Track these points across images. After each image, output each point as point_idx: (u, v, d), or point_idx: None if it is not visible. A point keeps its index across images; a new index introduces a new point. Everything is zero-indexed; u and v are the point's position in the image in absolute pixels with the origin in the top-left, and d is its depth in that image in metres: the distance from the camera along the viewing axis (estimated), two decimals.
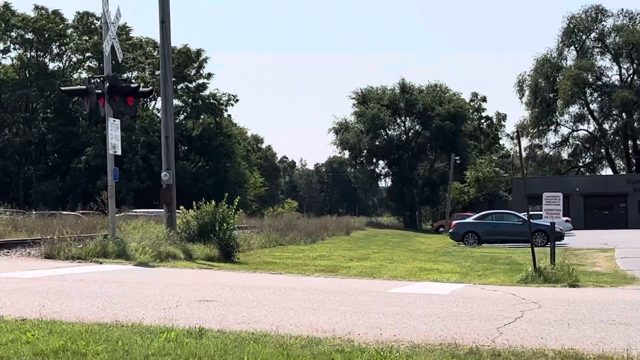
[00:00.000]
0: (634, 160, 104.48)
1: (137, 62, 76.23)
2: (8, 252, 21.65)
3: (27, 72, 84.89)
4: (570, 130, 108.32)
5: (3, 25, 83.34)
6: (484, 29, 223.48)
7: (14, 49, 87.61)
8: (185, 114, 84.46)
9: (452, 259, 28.74)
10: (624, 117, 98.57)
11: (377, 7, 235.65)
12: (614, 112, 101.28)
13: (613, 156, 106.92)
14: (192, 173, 72.87)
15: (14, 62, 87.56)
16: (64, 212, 47.61)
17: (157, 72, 66.68)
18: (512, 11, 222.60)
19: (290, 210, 72.16)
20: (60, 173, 76.39)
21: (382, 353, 5.89)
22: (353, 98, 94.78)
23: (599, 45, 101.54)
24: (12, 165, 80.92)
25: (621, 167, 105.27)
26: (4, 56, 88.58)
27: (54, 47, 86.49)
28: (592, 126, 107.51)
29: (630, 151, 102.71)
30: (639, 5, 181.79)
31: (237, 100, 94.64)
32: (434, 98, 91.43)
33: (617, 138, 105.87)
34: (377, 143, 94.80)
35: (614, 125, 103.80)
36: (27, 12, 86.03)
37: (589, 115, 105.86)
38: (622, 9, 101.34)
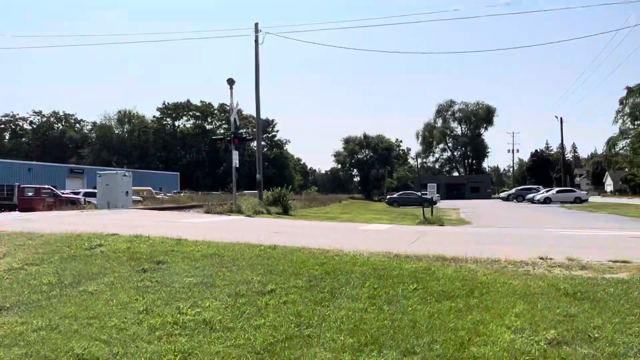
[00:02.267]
0: (469, 169, 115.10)
1: (245, 124, 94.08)
2: (188, 210, 25.30)
3: (196, 130, 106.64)
4: (438, 157, 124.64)
5: (186, 109, 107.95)
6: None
7: (190, 119, 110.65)
8: (266, 148, 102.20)
9: (387, 214, 32.70)
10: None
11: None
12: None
13: (458, 166, 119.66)
14: (269, 175, 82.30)
15: (191, 126, 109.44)
16: (214, 192, 59.19)
17: (253, 129, 79.70)
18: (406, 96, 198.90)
19: (314, 192, 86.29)
20: (212, 174, 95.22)
21: (352, 255, 7.70)
22: (343, 141, 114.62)
23: (451, 117, 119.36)
24: (198, 172, 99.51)
25: (461, 171, 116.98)
26: (186, 124, 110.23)
27: (209, 119, 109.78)
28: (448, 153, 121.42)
29: (470, 161, 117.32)
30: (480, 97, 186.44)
31: (290, 142, 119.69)
32: (378, 140, 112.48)
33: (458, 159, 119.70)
34: (353, 161, 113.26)
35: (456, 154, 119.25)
36: (197, 103, 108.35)
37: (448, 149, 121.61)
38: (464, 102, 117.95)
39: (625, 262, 7.37)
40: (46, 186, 35.45)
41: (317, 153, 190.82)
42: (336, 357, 3.83)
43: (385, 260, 7.34)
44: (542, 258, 7.75)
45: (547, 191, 54.53)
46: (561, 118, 62.85)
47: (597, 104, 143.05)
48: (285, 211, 27.15)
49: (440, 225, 19.64)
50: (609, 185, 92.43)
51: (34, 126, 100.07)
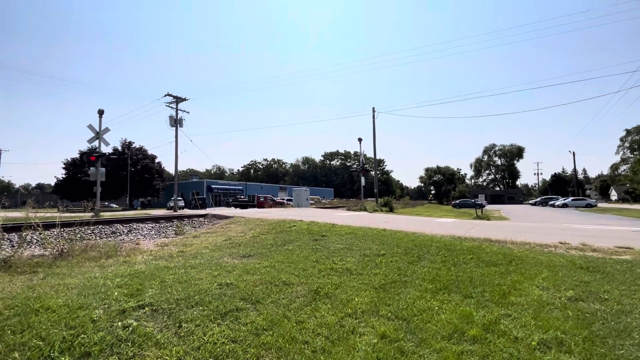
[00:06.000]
0: (506, 185, 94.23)
1: (368, 162, 76.49)
2: (337, 209, 24.55)
3: (342, 166, 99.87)
4: (485, 179, 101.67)
5: (337, 155, 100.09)
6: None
7: (339, 160, 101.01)
8: (379, 175, 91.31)
9: (452, 213, 30.25)
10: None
11: None
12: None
13: (499, 184, 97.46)
14: (381, 189, 75.62)
15: (339, 164, 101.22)
16: (351, 199, 53.53)
17: (372, 165, 64.41)
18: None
19: (407, 199, 72.44)
20: (351, 189, 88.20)
21: (431, 236, 6.88)
22: (424, 169, 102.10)
23: (493, 154, 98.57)
24: (343, 188, 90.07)
25: (501, 187, 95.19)
26: (336, 163, 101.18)
27: (348, 159, 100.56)
28: (492, 176, 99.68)
29: (507, 181, 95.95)
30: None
31: (392, 171, 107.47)
32: (445, 169, 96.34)
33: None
34: (430, 181, 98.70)
35: (497, 176, 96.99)
36: (342, 151, 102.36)
37: (492, 173, 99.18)
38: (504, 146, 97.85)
39: (629, 248, 5.84)
40: (269, 195, 38.47)
41: (409, 175, 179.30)
42: (422, 295, 3.59)
43: (451, 240, 6.67)
44: (561, 243, 6.42)
45: (564, 199, 45.48)
46: (573, 152, 52.69)
47: (600, 141, 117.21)
48: (391, 210, 25.91)
49: (488, 220, 17.32)
50: (613, 196, 74.98)
51: (263, 166, 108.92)
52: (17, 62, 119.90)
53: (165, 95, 25.97)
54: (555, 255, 5.24)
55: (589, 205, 40.18)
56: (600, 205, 46.85)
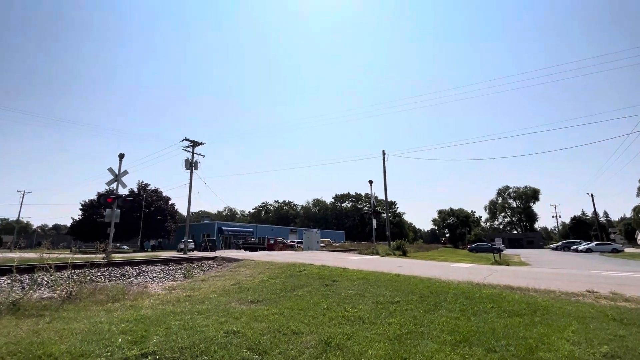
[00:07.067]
0: (524, 229, 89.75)
1: (379, 204, 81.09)
2: (349, 252, 23.50)
3: (353, 208, 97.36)
4: (501, 221, 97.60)
5: (347, 197, 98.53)
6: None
7: (350, 202, 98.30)
8: (391, 217, 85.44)
9: (469, 257, 29.08)
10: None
11: None
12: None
13: (516, 227, 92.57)
14: (393, 232, 69.91)
15: (350, 206, 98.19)
16: (362, 242, 48.95)
17: (383, 207, 62.45)
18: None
19: (420, 243, 72.29)
20: (362, 232, 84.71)
21: (447, 282, 6.62)
22: (437, 212, 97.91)
23: (508, 196, 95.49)
24: (354, 231, 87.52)
25: (518, 230, 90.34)
26: (348, 205, 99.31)
27: (359, 202, 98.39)
28: (508, 219, 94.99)
29: (524, 224, 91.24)
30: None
31: (405, 213, 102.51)
32: (459, 212, 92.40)
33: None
34: (444, 224, 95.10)
35: (513, 219, 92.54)
36: (353, 193, 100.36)
37: (508, 216, 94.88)
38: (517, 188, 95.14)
39: None
40: (279, 238, 38.11)
41: (421, 218, 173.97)
42: (440, 348, 3.33)
43: (469, 286, 6.35)
44: (589, 291, 6.03)
45: (587, 243, 43.05)
46: (592, 194, 51.30)
47: (619, 183, 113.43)
48: (404, 254, 24.98)
49: (507, 265, 16.66)
50: None
51: (274, 207, 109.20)
52: (38, 107, 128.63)
53: (182, 140, 27.26)
54: (583, 305, 4.90)
55: (615, 250, 37.92)
56: (627, 250, 44.09)
